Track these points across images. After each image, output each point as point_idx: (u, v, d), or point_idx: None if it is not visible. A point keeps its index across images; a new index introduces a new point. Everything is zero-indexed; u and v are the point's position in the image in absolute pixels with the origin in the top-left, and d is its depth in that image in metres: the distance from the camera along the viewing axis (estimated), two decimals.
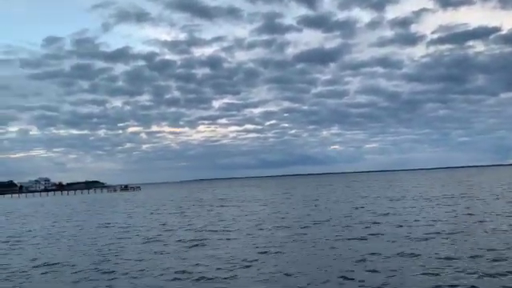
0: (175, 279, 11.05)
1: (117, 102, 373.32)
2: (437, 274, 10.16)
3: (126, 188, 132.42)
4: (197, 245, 16.29)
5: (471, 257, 11.75)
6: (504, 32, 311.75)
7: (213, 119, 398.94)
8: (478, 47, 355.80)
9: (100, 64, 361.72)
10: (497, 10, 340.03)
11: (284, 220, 23.39)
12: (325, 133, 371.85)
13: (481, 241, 14.06)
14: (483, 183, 57.33)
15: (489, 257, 11.64)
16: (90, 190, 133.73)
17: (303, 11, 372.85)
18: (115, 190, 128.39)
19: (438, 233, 16.02)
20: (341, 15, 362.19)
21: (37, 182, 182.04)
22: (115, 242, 18.09)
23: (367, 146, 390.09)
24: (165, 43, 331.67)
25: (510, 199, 29.12)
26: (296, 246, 15.07)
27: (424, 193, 42.08)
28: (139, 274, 11.85)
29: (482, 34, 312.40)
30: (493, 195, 33.47)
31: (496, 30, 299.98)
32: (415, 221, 19.90)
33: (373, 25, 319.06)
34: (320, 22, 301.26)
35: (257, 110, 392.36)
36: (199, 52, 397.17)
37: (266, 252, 14.13)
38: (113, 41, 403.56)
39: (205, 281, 10.74)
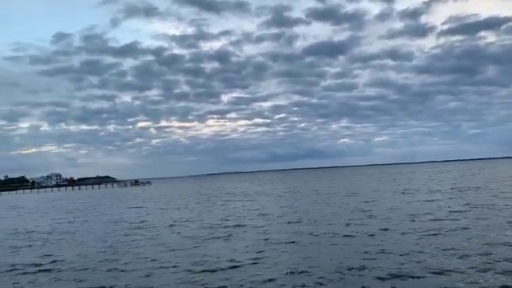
0: (185, 275, 10.96)
1: (126, 97, 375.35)
2: (450, 271, 9.96)
3: (136, 183, 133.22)
4: (207, 239, 16.22)
5: (485, 253, 11.52)
6: None
7: (222, 113, 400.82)
8: (489, 38, 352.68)
9: (109, 59, 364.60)
10: (508, 1, 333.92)
11: (294, 214, 23.23)
12: (334, 126, 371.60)
13: (498, 236, 13.79)
14: (497, 176, 56.57)
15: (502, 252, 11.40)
16: (101, 185, 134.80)
17: (311, 4, 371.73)
18: (126, 185, 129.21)
19: (454, 229, 15.77)
20: (349, 7, 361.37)
21: (48, 177, 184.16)
22: (125, 239, 18.07)
23: (377, 139, 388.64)
24: (173, 38, 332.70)
25: None
26: (307, 241, 14.90)
27: (435, 186, 41.64)
28: (150, 271, 11.78)
29: (493, 24, 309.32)
30: (508, 187, 32.96)
31: (508, 20, 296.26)
32: (427, 214, 19.64)
33: (382, 17, 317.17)
34: (328, 15, 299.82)
35: (266, 104, 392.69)
36: (207, 46, 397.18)
37: (276, 248, 13.99)
38: (121, 36, 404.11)
39: (215, 276, 10.64)
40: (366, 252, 12.40)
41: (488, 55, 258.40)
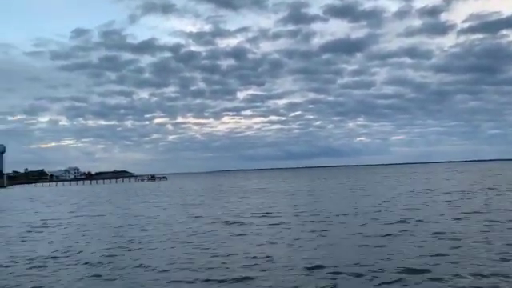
0: (202, 272, 10.93)
1: (144, 94, 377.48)
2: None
3: (153, 178, 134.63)
4: (223, 236, 16.18)
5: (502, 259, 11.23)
6: None
7: (237, 110, 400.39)
8: (511, 36, 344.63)
9: (127, 56, 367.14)
10: None
11: (310, 213, 23.06)
12: (351, 124, 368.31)
13: None
14: None
15: None
16: (118, 180, 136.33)
17: (329, 0, 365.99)
18: (142, 180, 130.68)
19: (476, 231, 15.47)
20: (367, 4, 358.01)
21: (66, 171, 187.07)
22: (141, 234, 18.17)
23: (394, 137, 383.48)
24: (190, 34, 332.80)
25: None
26: (322, 239, 14.75)
27: (454, 186, 40.98)
28: (167, 267, 11.80)
29: None
30: None
31: None
32: (442, 215, 19.32)
33: (400, 14, 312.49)
34: (346, 12, 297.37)
35: (281, 102, 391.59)
36: (224, 43, 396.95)
37: (291, 245, 13.90)
38: (139, 32, 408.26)
39: (231, 274, 10.59)
40: (382, 252, 12.22)
41: (510, 54, 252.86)
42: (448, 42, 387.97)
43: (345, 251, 12.80)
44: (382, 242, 13.90)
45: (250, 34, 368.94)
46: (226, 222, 20.35)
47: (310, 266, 11.04)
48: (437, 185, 45.43)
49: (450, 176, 70.04)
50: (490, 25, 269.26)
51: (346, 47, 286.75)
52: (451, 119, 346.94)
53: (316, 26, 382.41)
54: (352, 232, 15.94)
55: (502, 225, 16.13)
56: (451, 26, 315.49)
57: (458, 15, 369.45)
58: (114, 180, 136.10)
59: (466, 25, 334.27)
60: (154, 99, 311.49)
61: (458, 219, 18.11)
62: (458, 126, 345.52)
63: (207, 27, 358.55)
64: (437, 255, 11.59)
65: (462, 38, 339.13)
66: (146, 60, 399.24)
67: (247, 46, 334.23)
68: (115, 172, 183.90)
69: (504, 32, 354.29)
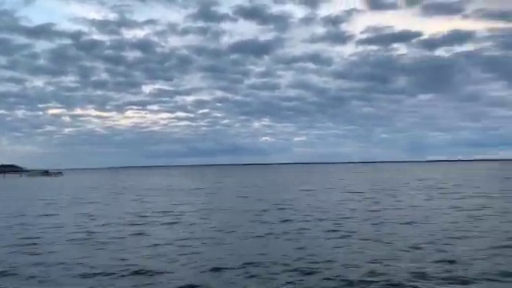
0: (86, 281, 10.31)
1: (38, 82, 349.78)
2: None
3: (46, 173, 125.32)
4: (115, 238, 15.46)
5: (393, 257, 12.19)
6: (425, 37, 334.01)
7: (143, 105, 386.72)
8: (401, 50, 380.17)
9: (20, 39, 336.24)
10: (419, 17, 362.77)
11: (209, 211, 23.07)
12: (256, 124, 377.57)
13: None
14: (401, 178, 60.90)
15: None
16: (6, 175, 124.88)
17: (239, 1, 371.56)
18: (34, 175, 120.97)
19: (374, 230, 16.58)
20: (275, 8, 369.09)
21: None
22: (32, 235, 16.72)
23: (296, 138, 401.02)
24: (93, 22, 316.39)
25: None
26: (219, 239, 14.78)
27: (347, 186, 43.85)
28: (49, 275, 10.95)
29: (405, 37, 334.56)
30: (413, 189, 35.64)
31: (418, 34, 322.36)
32: (338, 215, 20.53)
33: (306, 21, 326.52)
34: (255, 14, 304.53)
35: (189, 98, 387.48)
36: (130, 34, 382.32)
37: (188, 246, 13.70)
38: (35, 15, 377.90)
39: (119, 283, 10.13)
40: (282, 253, 12.54)
41: (399, 66, 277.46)
42: (347, 50, 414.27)
43: (243, 252, 12.93)
44: (279, 242, 14.29)
45: (159, 27, 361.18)
46: (121, 223, 19.49)
47: (214, 266, 10.92)
48: (332, 185, 48.20)
49: (344, 176, 74.74)
50: (384, 38, 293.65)
51: (254, 49, 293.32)
52: (348, 123, 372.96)
53: (225, 26, 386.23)
54: (249, 231, 16.17)
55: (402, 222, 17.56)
56: (350, 36, 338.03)
57: (356, 26, 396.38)
58: (0, 175, 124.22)
59: (364, 36, 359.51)
60: (50, 88, 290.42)
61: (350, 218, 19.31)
62: (354, 130, 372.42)
63: (112, 16, 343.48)
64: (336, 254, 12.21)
65: (360, 48, 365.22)
66: (41, 45, 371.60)
67: (155, 38, 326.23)
68: (2, 166, 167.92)
69: (395, 45, 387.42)
